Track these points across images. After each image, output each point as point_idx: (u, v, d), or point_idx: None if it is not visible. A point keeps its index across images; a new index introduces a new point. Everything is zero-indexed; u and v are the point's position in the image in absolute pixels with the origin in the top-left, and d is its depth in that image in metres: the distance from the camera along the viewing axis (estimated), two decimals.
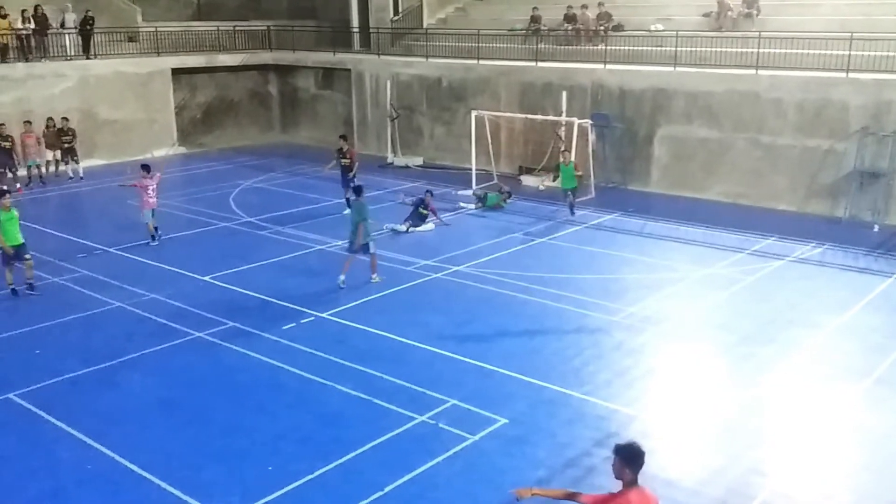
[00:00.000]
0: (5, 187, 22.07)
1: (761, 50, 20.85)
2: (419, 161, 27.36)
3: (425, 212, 19.00)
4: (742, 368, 11.79)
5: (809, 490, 8.84)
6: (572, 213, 19.90)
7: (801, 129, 20.27)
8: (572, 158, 20.28)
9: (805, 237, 17.95)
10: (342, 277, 14.91)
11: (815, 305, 14.05)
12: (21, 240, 14.59)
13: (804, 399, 10.84)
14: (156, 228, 17.89)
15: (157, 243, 17.75)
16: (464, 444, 9.54)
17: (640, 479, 6.14)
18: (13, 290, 14.41)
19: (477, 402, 10.49)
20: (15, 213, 14.56)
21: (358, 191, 15.46)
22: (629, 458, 5.96)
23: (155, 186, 17.90)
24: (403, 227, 18.69)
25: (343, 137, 21.32)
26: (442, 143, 27.53)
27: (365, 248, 15.07)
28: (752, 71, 20.91)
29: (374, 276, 15.24)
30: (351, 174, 20.14)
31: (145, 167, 18.11)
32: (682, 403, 10.72)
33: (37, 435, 9.84)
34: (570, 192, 19.93)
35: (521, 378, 11.25)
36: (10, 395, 10.74)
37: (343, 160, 20.30)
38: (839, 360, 12.02)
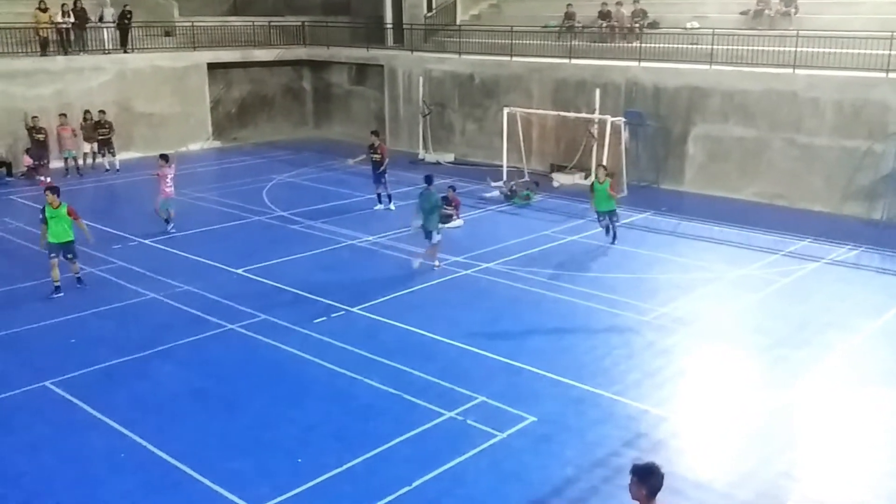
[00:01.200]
0: (47, 178, 22.61)
1: (799, 49, 20.54)
2: (450, 157, 27.37)
3: (449, 209, 18.97)
4: (775, 371, 11.64)
5: (840, 495, 8.71)
6: (613, 241, 17.33)
7: (838, 129, 19.95)
8: (606, 174, 17.24)
9: (841, 239, 17.67)
10: (431, 262, 15.69)
11: (850, 309, 13.82)
12: (68, 237, 14.33)
13: (838, 403, 10.68)
14: (167, 221, 18.32)
15: (172, 229, 18.20)
16: (492, 442, 9.53)
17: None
18: (56, 287, 14.27)
19: (506, 400, 10.47)
20: (63, 210, 14.21)
21: (429, 180, 16.03)
22: (645, 476, 5.80)
23: (173, 176, 18.31)
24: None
25: (375, 133, 21.39)
26: (473, 139, 27.50)
27: (428, 235, 15.59)
28: (790, 70, 20.61)
29: (434, 263, 15.74)
30: (381, 170, 20.19)
31: (163, 157, 18.62)
32: (713, 405, 10.61)
33: (71, 422, 10.00)
34: (606, 216, 17.24)
35: (551, 376, 11.21)
36: (46, 383, 10.94)
37: (374, 155, 20.36)
38: (874, 364, 11.82)
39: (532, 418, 10.05)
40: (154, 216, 18.50)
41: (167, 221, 18.32)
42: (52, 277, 14.23)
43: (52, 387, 10.86)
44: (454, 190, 19.42)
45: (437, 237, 15.62)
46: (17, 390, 10.75)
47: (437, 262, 15.76)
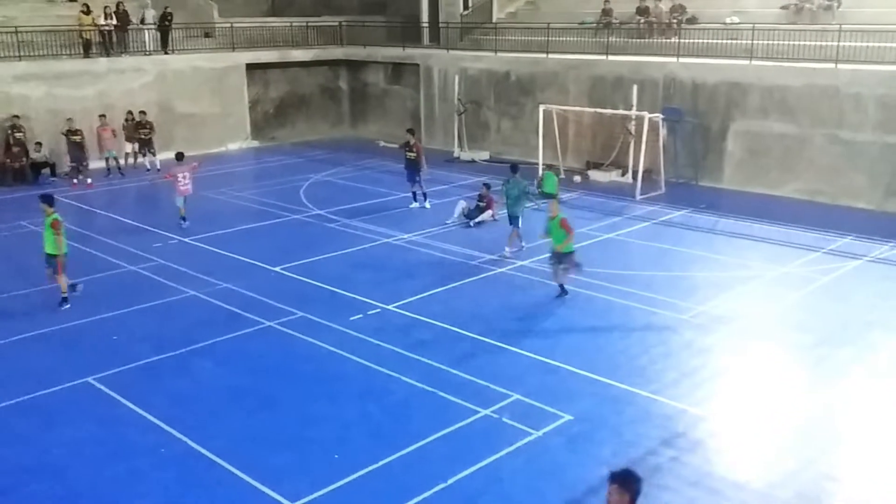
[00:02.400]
0: (88, 179, 23.03)
1: (841, 43, 20.15)
2: (486, 155, 27.33)
3: (482, 204, 19.11)
4: (817, 371, 11.46)
5: (883, 498, 8.55)
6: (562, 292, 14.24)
7: (881, 125, 19.54)
8: (559, 211, 14.04)
9: (884, 237, 17.31)
10: (519, 244, 16.74)
11: (894, 307, 13.54)
12: (51, 250, 13.54)
13: (881, 403, 10.47)
14: (183, 219, 18.87)
15: (186, 225, 18.73)
16: (527, 440, 9.52)
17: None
18: (63, 297, 13.76)
19: (541, 398, 10.45)
20: (50, 220, 13.49)
21: (514, 168, 17.32)
22: (627, 482, 5.50)
23: (187, 174, 18.85)
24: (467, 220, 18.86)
25: (410, 131, 21.47)
26: (509, 137, 27.43)
27: (515, 221, 16.64)
28: (832, 65, 20.23)
29: (507, 249, 16.58)
30: (417, 168, 20.26)
31: (178, 156, 19.43)
32: (753, 405, 10.47)
33: (113, 418, 10.19)
34: (559, 258, 14.16)
35: (587, 375, 11.16)
36: (89, 379, 11.15)
37: (409, 153, 20.43)
38: None
39: (568, 417, 10.01)
40: (190, 215, 18.83)
41: (183, 219, 18.84)
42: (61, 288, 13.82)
43: (95, 383, 11.07)
44: (488, 188, 19.43)
45: (520, 222, 16.70)
46: (60, 386, 10.98)
47: (515, 248, 16.64)
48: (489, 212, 19.06)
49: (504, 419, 9.96)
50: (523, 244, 16.73)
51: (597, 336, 12.61)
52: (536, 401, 10.39)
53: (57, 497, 8.61)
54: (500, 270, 15.60)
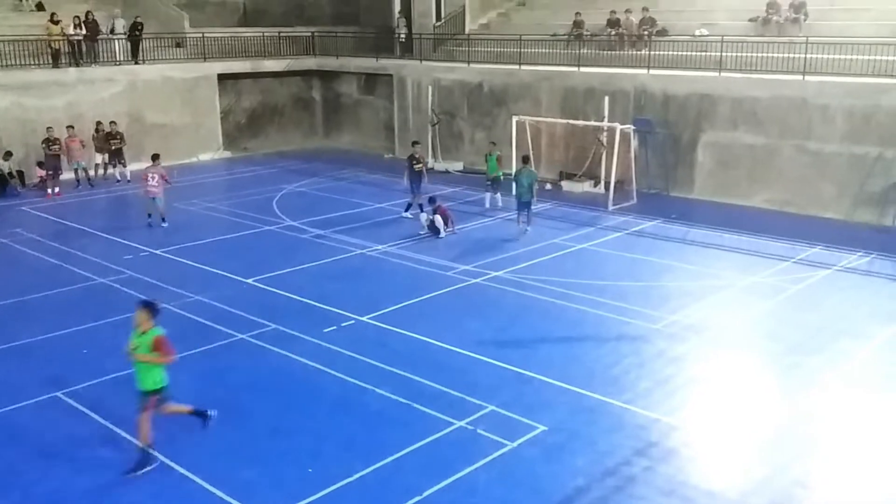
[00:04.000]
0: (56, 189, 22.76)
1: (809, 55, 20.49)
2: (459, 166, 27.39)
3: (436, 216, 18.83)
4: (788, 379, 11.58)
5: None
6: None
7: (849, 135, 19.87)
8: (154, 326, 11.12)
9: (853, 246, 17.58)
10: (524, 227, 18.99)
11: (863, 315, 13.74)
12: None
13: (852, 411, 10.60)
14: (149, 215, 19.72)
15: (165, 226, 19.53)
16: (502, 451, 9.51)
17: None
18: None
19: (516, 409, 10.45)
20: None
21: (526, 159, 20.03)
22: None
23: (156, 176, 19.41)
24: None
25: (416, 143, 21.79)
26: (482, 148, 27.24)
27: (527, 205, 18.84)
28: (800, 77, 20.56)
29: (527, 227, 18.94)
30: (421, 179, 20.33)
31: (153, 157, 20.07)
32: (725, 414, 10.55)
33: (82, 433, 10.03)
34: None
35: (561, 385, 11.18)
36: (58, 394, 10.98)
37: (416, 165, 20.36)
38: (889, 371, 11.74)
39: (542, 427, 10.02)
40: (162, 226, 18.73)
41: (162, 219, 19.56)
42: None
43: (64, 397, 10.91)
44: (433, 201, 19.20)
45: (533, 207, 19.04)
46: (29, 401, 10.80)
47: (528, 228, 18.91)
48: (443, 224, 18.79)
49: (479, 431, 9.95)
50: (528, 228, 18.86)
51: (570, 346, 12.65)
52: (511, 412, 10.39)
53: None
54: (474, 281, 15.61)
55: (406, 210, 20.55)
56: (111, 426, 10.13)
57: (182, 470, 9.14)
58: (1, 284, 15.43)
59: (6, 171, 23.63)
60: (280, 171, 27.18)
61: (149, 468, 9.15)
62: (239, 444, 9.79)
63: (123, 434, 9.90)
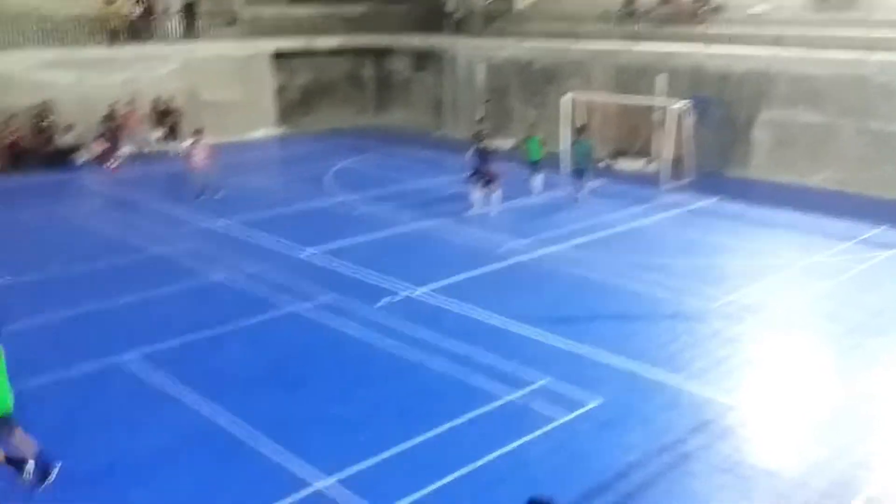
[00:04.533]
0: (117, 163, 23.30)
1: (870, 32, 19.85)
2: (510, 144, 27.20)
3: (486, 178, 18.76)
4: (848, 360, 11.33)
5: None
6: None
7: None
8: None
9: None
10: (578, 196, 19.58)
11: None
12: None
13: None
14: (201, 189, 19.94)
15: (220, 196, 19.80)
16: (555, 424, 9.49)
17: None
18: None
19: (570, 384, 10.41)
20: None
21: (581, 130, 20.54)
22: None
23: (201, 151, 19.82)
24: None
25: (482, 119, 21.49)
26: (534, 125, 27.24)
27: (583, 174, 19.60)
28: (860, 54, 19.94)
29: (580, 197, 19.49)
30: (488, 158, 19.31)
31: (196, 132, 20.39)
32: (783, 394, 10.38)
33: (149, 396, 10.29)
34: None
35: (615, 362, 11.11)
36: (123, 357, 11.25)
37: (482, 144, 19.71)
38: None
39: (596, 403, 9.98)
40: (215, 199, 19.14)
41: (212, 193, 19.69)
42: None
43: (129, 361, 11.17)
44: (483, 174, 18.91)
45: (588, 177, 19.61)
46: (93, 365, 11.09)
47: (582, 197, 19.47)
48: (492, 191, 18.66)
49: (532, 404, 9.94)
50: (582, 197, 19.45)
51: (624, 324, 12.55)
52: (565, 386, 10.36)
53: (86, 472, 8.69)
54: (527, 257, 15.56)
55: (469, 182, 20.07)
56: (175, 389, 10.33)
57: (243, 432, 9.30)
58: (66, 252, 15.88)
59: (68, 145, 24.22)
60: (332, 147, 27.35)
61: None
62: (297, 409, 9.96)
63: (187, 397, 10.12)
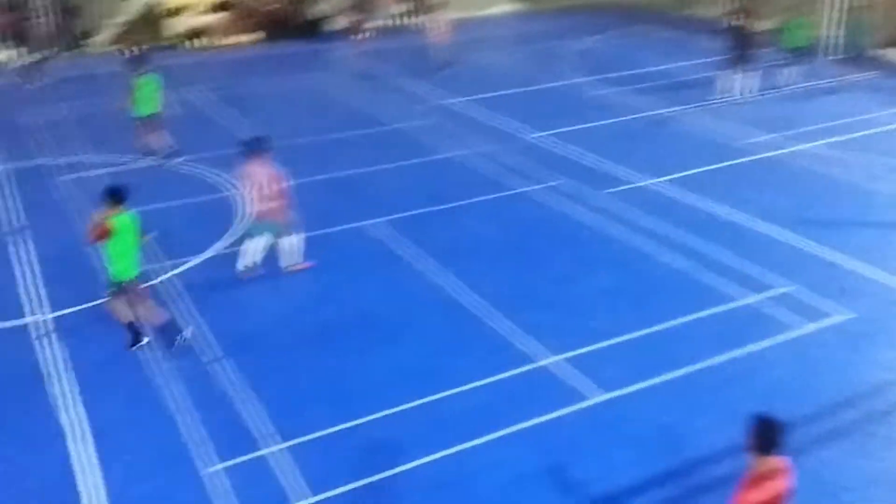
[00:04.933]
0: (365, 35, 24.03)
1: None
2: (769, 25, 24.81)
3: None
4: None
5: None
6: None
7: None
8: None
9: None
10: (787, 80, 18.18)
11: None
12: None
13: None
14: (442, 66, 20.11)
15: (440, 75, 19.95)
16: (799, 332, 8.98)
17: None
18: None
19: (817, 293, 9.73)
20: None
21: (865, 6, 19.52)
22: (757, 430, 4.88)
23: (443, 26, 20.24)
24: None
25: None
26: (798, 5, 24.71)
27: (802, 56, 18.38)
28: None
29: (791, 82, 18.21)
30: (744, 40, 17.72)
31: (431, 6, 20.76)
32: None
33: (386, 260, 10.92)
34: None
35: (871, 273, 10.22)
36: (366, 222, 11.96)
37: (736, 23, 18.43)
38: None
39: (846, 315, 9.29)
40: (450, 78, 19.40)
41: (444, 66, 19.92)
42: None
43: (373, 226, 11.86)
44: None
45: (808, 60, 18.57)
46: (342, 226, 11.89)
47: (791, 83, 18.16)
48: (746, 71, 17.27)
49: (774, 309, 9.41)
50: (791, 83, 18.12)
51: (884, 233, 11.43)
52: (812, 295, 9.70)
53: (322, 323, 9.42)
54: (774, 153, 14.47)
55: (719, 67, 18.23)
56: (413, 257, 10.88)
57: (475, 304, 9.66)
58: (315, 122, 16.92)
59: (319, 15, 25.39)
60: (570, 26, 26.47)
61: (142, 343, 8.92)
62: (526, 286, 10.17)
63: (423, 265, 10.63)
